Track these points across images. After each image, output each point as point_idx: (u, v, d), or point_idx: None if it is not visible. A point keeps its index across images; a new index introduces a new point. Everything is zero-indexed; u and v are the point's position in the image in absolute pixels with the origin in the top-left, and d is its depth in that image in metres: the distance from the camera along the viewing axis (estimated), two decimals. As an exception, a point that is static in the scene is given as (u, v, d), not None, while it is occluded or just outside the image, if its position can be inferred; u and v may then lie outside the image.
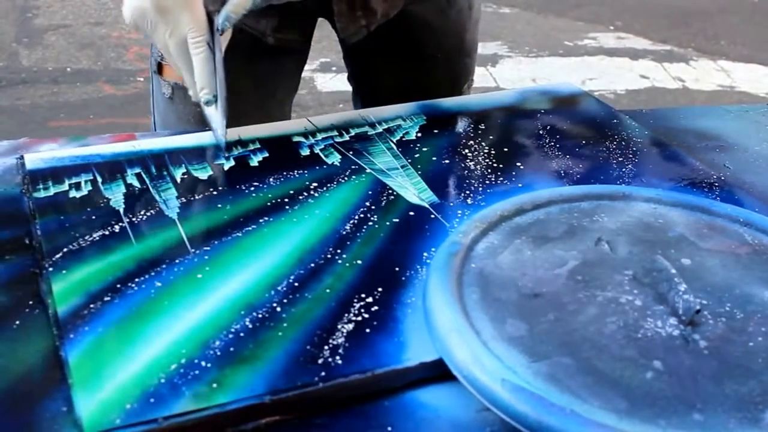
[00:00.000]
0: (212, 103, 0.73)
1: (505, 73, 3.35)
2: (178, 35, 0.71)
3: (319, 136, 0.77)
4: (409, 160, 0.73)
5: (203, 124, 0.91)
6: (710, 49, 3.75)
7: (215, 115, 0.74)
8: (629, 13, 4.17)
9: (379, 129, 0.79)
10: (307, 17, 0.94)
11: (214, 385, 0.46)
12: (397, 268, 0.58)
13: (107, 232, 0.61)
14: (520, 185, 0.70)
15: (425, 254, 0.60)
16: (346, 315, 0.53)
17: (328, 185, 0.68)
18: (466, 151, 0.76)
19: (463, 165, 0.73)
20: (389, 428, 0.46)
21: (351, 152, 0.74)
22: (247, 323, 0.52)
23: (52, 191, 0.66)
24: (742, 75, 3.49)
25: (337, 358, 0.49)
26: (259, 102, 0.96)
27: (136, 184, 0.68)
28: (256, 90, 0.95)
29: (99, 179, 0.68)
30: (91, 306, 0.52)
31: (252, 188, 0.68)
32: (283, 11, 0.89)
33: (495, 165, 0.73)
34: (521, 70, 3.41)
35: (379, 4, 0.90)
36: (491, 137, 0.79)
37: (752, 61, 3.64)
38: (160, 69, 0.93)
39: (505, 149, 0.77)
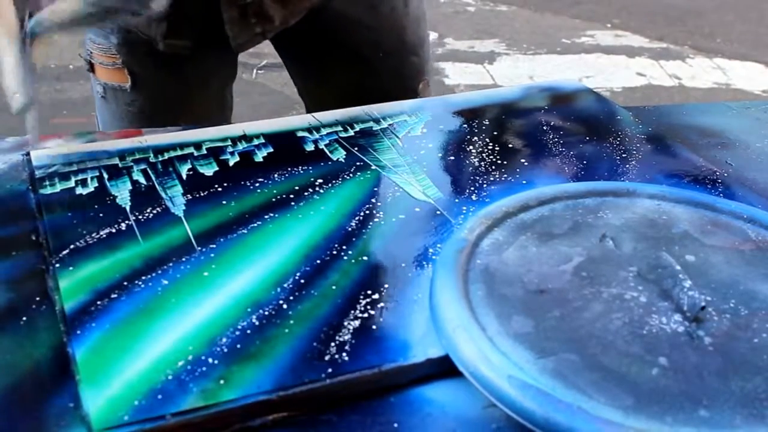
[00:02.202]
0: (27, 108, 0.69)
1: (503, 71, 3.36)
2: None
3: (324, 131, 0.77)
4: (414, 157, 0.74)
5: (137, 124, 0.91)
6: (706, 47, 3.76)
7: (31, 120, 0.71)
8: (626, 11, 4.18)
9: (384, 125, 0.79)
10: (197, 24, 0.89)
11: (222, 382, 0.46)
12: (402, 265, 0.58)
13: (114, 230, 0.61)
14: (524, 182, 0.70)
15: (431, 251, 0.60)
16: (352, 312, 0.53)
17: (333, 181, 0.68)
18: (471, 147, 0.76)
19: (467, 161, 0.74)
20: (395, 424, 0.46)
21: (356, 148, 0.74)
22: (254, 320, 0.52)
23: (58, 188, 0.66)
24: (737, 72, 3.50)
25: (344, 354, 0.49)
26: (190, 97, 0.94)
27: (143, 181, 0.68)
28: (183, 87, 0.93)
29: (105, 176, 0.68)
30: (98, 303, 0.52)
31: (257, 184, 0.68)
32: (172, 16, 0.85)
33: (499, 161, 0.73)
34: (518, 68, 3.41)
35: (276, 11, 0.87)
36: (495, 133, 0.79)
37: (748, 58, 3.65)
38: (92, 68, 0.93)
39: (509, 145, 0.77)
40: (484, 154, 0.75)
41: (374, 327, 0.52)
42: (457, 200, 0.67)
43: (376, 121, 0.80)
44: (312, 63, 0.96)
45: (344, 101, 0.86)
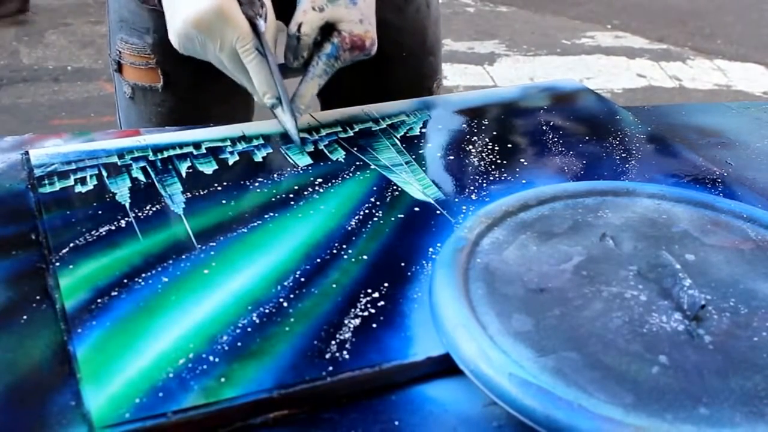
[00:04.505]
0: (277, 105, 0.74)
1: (503, 72, 3.36)
2: (227, 49, 0.72)
3: (323, 132, 0.78)
4: (414, 156, 0.74)
5: (165, 123, 0.92)
6: (706, 48, 3.76)
7: (283, 115, 0.75)
8: (626, 12, 4.18)
9: (383, 125, 0.80)
10: None
11: (222, 380, 0.46)
12: (402, 264, 0.58)
13: (113, 227, 0.61)
14: (524, 181, 0.70)
15: (431, 249, 0.60)
16: (353, 310, 0.53)
17: (333, 181, 0.68)
18: (470, 147, 0.76)
19: (467, 161, 0.74)
20: (396, 422, 0.46)
21: (355, 148, 0.75)
22: (254, 318, 0.52)
23: (57, 186, 0.66)
24: (738, 74, 3.50)
25: (344, 352, 0.49)
26: (220, 100, 0.95)
27: (142, 178, 0.68)
28: (215, 90, 0.93)
29: (104, 174, 0.68)
30: (99, 301, 0.53)
31: (257, 184, 0.68)
32: None
33: (499, 161, 0.74)
34: (519, 69, 3.42)
35: None
36: (495, 133, 0.79)
37: (748, 60, 3.65)
38: (119, 68, 0.93)
39: (509, 145, 0.77)
40: (483, 154, 0.75)
41: (375, 325, 0.52)
42: (456, 199, 0.67)
43: (375, 121, 0.80)
44: None
45: (361, 100, 0.86)
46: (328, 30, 0.76)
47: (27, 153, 0.71)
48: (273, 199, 0.65)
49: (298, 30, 0.75)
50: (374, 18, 0.79)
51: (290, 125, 0.75)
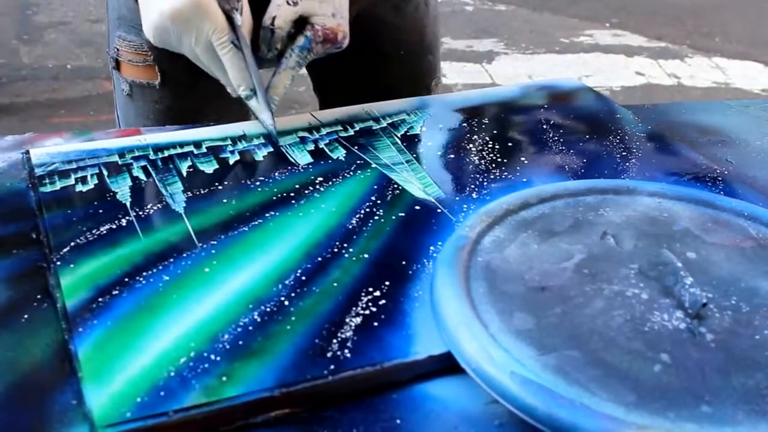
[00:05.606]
0: (251, 97, 0.75)
1: (501, 70, 3.36)
2: (202, 42, 0.73)
3: (324, 131, 0.78)
4: (414, 155, 0.74)
5: (163, 122, 0.92)
6: (705, 46, 3.76)
7: (258, 107, 0.75)
8: (625, 10, 4.18)
9: (384, 124, 0.80)
10: None
11: (224, 379, 0.46)
12: (403, 262, 0.58)
13: (114, 226, 0.61)
14: (524, 179, 0.70)
15: (432, 248, 0.60)
16: (354, 308, 0.53)
17: (334, 180, 0.68)
18: (471, 145, 0.76)
19: (467, 159, 0.74)
20: (398, 421, 0.46)
21: (356, 147, 0.75)
22: (256, 317, 0.52)
23: (58, 185, 0.66)
24: (736, 72, 3.50)
25: (346, 351, 0.49)
26: (217, 96, 0.95)
27: (143, 177, 0.68)
28: (212, 86, 0.93)
29: (105, 173, 0.68)
30: (100, 300, 0.52)
31: (257, 183, 0.68)
32: None
33: (499, 159, 0.74)
34: (517, 67, 3.42)
35: None
36: (495, 132, 0.79)
37: (747, 58, 3.65)
38: (117, 66, 0.93)
39: (509, 144, 0.77)
40: (484, 152, 0.75)
41: (376, 324, 0.52)
42: (457, 198, 0.67)
43: (376, 120, 0.80)
44: (332, 60, 0.97)
45: (360, 98, 0.86)
46: (301, 23, 0.77)
47: (28, 152, 0.71)
48: (274, 198, 0.65)
49: (272, 23, 0.76)
50: (347, 12, 0.80)
51: (266, 116, 0.75)
